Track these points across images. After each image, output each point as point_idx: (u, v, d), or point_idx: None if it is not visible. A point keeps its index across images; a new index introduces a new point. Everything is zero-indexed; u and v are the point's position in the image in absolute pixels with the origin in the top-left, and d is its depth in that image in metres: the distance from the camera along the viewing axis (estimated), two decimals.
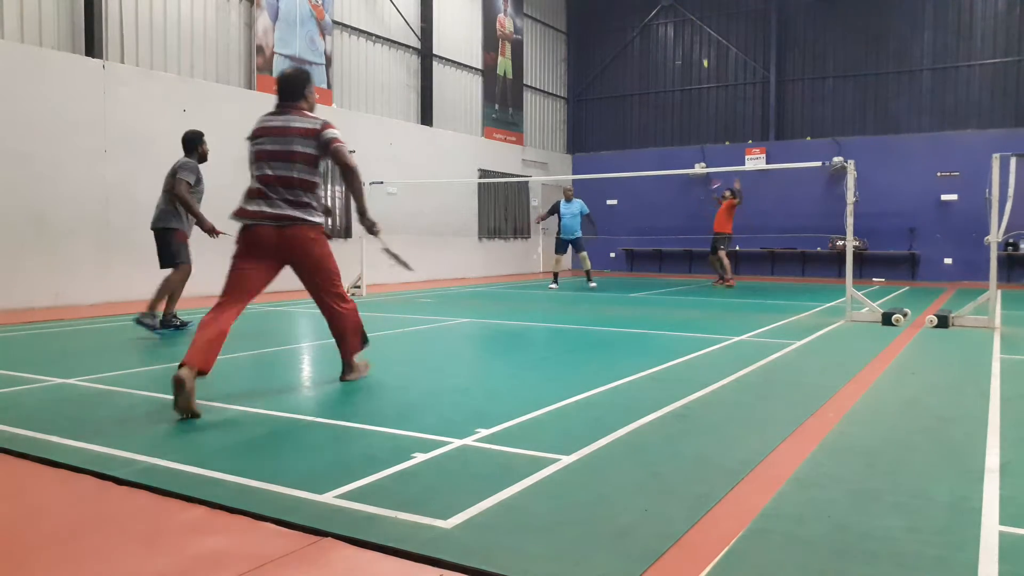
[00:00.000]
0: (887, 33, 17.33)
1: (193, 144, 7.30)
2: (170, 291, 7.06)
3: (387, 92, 15.29)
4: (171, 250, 7.10)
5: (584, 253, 13.64)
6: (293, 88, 4.55)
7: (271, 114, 4.52)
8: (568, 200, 13.56)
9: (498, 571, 2.14)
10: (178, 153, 7.38)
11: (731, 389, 4.68)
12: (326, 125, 4.49)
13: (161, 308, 7.03)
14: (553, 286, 13.38)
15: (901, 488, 2.85)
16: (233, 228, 4.41)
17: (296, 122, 4.44)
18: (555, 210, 13.69)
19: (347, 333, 4.73)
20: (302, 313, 9.22)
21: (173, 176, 7.08)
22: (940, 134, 16.54)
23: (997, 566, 2.18)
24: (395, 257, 4.90)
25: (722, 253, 13.94)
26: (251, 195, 4.36)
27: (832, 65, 17.99)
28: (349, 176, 4.49)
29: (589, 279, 13.76)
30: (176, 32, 11.29)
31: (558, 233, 13.67)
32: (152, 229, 7.19)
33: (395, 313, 9.29)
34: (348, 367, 4.84)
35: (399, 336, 7.27)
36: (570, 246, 13.68)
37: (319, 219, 4.43)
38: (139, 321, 6.86)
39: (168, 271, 7.11)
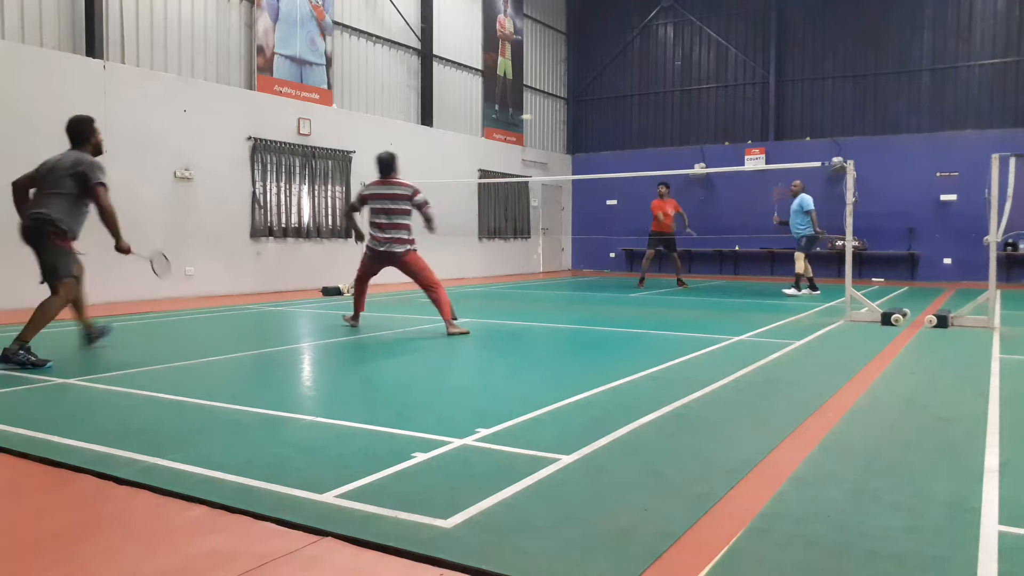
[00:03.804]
0: (886, 33, 17.32)
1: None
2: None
3: (387, 92, 15.29)
4: None
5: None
6: (389, 161, 7.48)
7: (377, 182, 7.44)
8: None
9: (498, 571, 2.14)
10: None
11: (731, 389, 4.69)
12: (416, 191, 7.41)
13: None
14: (792, 291, 12.10)
15: (901, 488, 2.85)
16: None
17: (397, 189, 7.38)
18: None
19: (440, 305, 7.26)
20: (301, 313, 9.22)
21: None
22: (939, 134, 16.54)
23: (996, 566, 2.18)
24: None
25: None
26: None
27: (832, 65, 17.98)
28: (429, 224, 7.57)
29: (812, 286, 12.30)
30: (176, 32, 11.29)
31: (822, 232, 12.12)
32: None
33: (395, 313, 9.29)
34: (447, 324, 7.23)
35: (399, 336, 7.27)
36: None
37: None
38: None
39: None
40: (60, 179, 5.55)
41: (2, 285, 9.00)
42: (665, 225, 13.88)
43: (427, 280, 7.32)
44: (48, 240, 5.49)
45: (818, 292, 12.28)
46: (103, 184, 5.57)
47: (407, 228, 7.37)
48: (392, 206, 7.24)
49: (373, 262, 7.48)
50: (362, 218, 7.93)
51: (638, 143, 20.23)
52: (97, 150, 5.84)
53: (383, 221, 7.26)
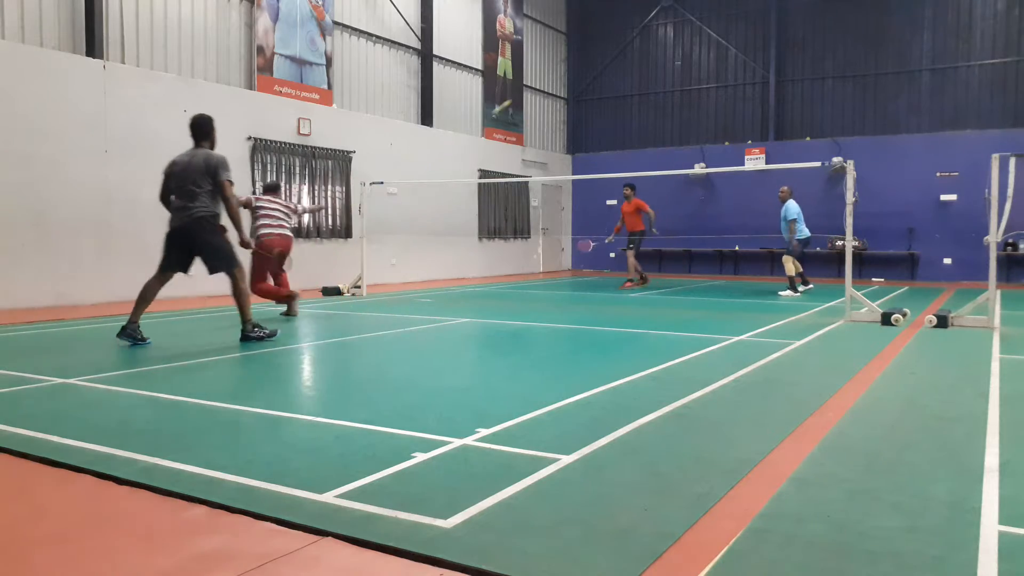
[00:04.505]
0: (886, 33, 17.32)
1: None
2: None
3: (387, 92, 15.29)
4: None
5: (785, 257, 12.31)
6: (275, 185, 9.31)
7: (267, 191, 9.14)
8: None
9: (498, 571, 2.14)
10: (179, 152, 6.72)
11: (731, 389, 4.69)
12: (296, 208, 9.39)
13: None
14: (788, 292, 12.14)
15: (901, 488, 2.85)
16: None
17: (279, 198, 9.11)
18: None
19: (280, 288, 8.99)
20: (301, 313, 9.21)
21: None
22: (939, 134, 16.54)
23: (996, 566, 2.18)
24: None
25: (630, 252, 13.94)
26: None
27: (831, 65, 17.98)
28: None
29: (803, 281, 12.42)
30: (176, 32, 11.29)
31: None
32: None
33: (395, 313, 9.29)
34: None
35: (399, 336, 7.27)
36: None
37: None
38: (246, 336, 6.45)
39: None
40: (200, 177, 6.21)
41: (3, 285, 9.00)
42: (627, 224, 13.91)
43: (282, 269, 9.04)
44: (214, 235, 6.24)
45: (811, 287, 12.50)
46: (231, 181, 6.25)
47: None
48: (282, 210, 8.88)
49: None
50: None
51: (638, 143, 20.23)
52: (213, 146, 6.49)
53: (279, 216, 8.83)
